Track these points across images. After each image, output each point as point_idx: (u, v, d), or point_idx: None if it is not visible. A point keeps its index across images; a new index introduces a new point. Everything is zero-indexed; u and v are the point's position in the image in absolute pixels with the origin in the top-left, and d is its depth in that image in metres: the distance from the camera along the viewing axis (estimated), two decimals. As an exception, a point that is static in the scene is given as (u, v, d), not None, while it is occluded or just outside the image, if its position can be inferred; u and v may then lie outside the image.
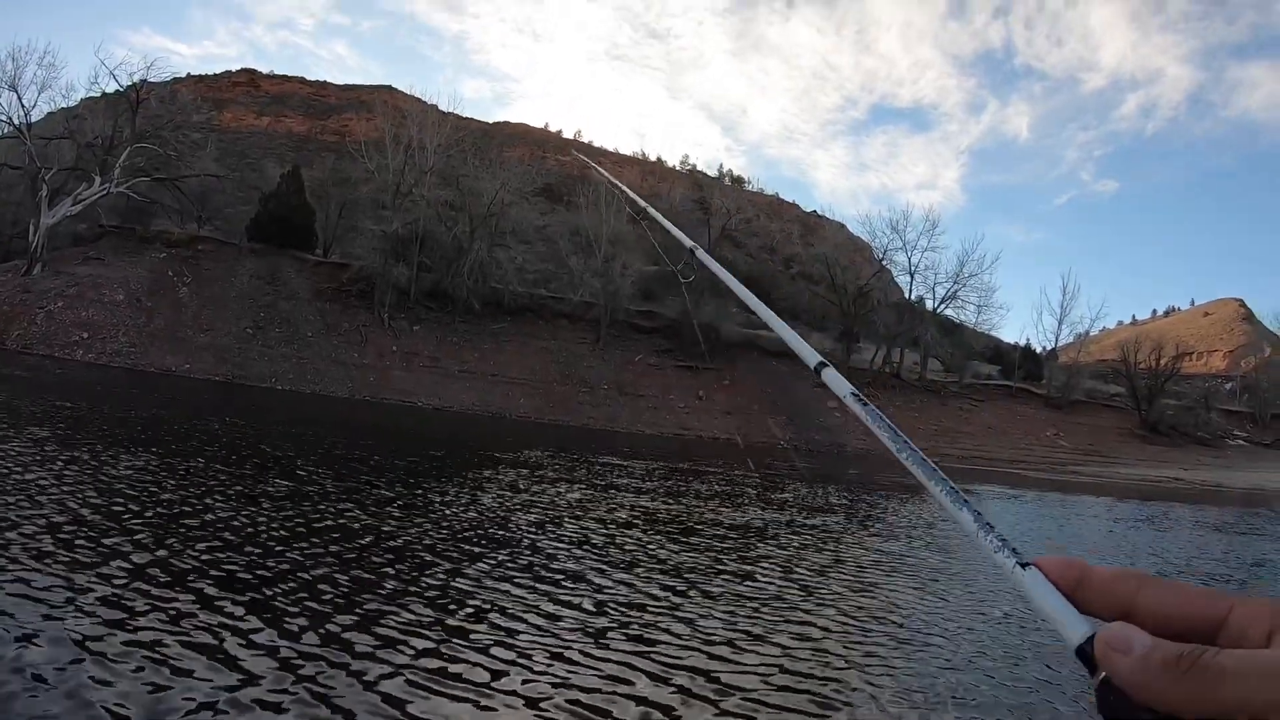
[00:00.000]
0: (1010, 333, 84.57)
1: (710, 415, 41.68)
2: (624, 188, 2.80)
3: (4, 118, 41.95)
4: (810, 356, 0.98)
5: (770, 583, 7.79)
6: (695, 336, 42.42)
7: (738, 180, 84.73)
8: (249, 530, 7.44)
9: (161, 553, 6.17)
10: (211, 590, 5.45)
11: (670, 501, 13.26)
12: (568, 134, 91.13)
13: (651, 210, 2.20)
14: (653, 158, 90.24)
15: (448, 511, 9.80)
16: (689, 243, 1.77)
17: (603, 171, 3.43)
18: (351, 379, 38.06)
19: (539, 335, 42.16)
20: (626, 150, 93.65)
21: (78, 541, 6.18)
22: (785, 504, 14.53)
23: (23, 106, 40.85)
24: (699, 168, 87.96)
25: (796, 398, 45.07)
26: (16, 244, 43.06)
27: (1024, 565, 0.50)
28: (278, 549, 6.90)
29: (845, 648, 5.83)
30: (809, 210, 75.13)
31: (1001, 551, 0.53)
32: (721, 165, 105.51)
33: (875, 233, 52.26)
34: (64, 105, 48.83)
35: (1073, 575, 0.48)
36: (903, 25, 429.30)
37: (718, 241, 44.91)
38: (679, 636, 5.64)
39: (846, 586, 8.01)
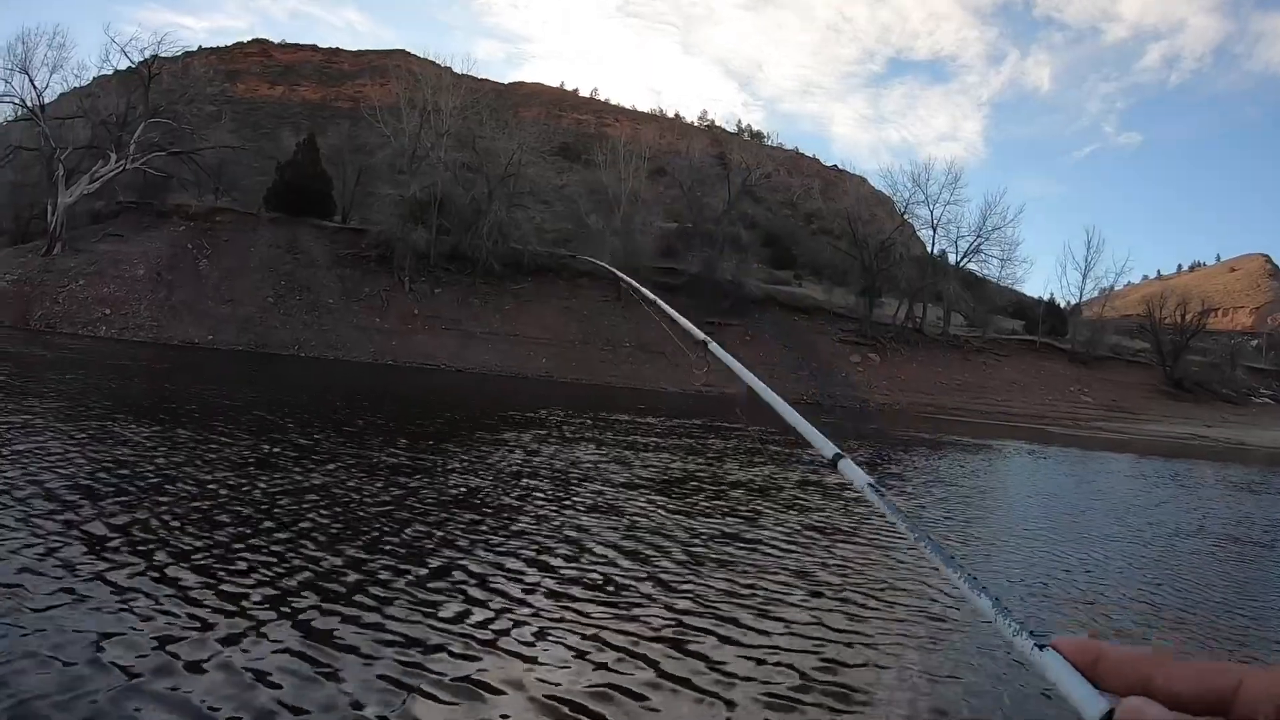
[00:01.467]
0: (1034, 287, 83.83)
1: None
2: (631, 281, 2.81)
3: (17, 100, 42.06)
4: (826, 448, 0.97)
5: (788, 543, 7.62)
6: (717, 293, 42.12)
7: (757, 135, 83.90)
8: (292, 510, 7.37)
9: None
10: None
11: (687, 459, 13.10)
12: (584, 92, 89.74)
13: (661, 304, 2.26)
14: (670, 114, 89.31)
15: (461, 474, 9.63)
16: (701, 335, 1.82)
17: (611, 269, 3.37)
18: (374, 343, 38.12)
19: (560, 295, 42.01)
20: (644, 107, 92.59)
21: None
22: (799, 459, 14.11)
23: (35, 88, 40.91)
24: (717, 123, 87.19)
25: (818, 353, 44.80)
26: (36, 225, 43.24)
27: (1042, 647, 0.51)
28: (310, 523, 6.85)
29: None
30: (829, 165, 74.44)
31: (1020, 635, 0.54)
32: (740, 120, 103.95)
33: (897, 187, 51.73)
34: (76, 85, 48.79)
35: (1090, 655, 0.50)
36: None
37: (737, 197, 44.43)
38: (687, 599, 5.51)
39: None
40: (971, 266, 52.18)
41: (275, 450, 9.71)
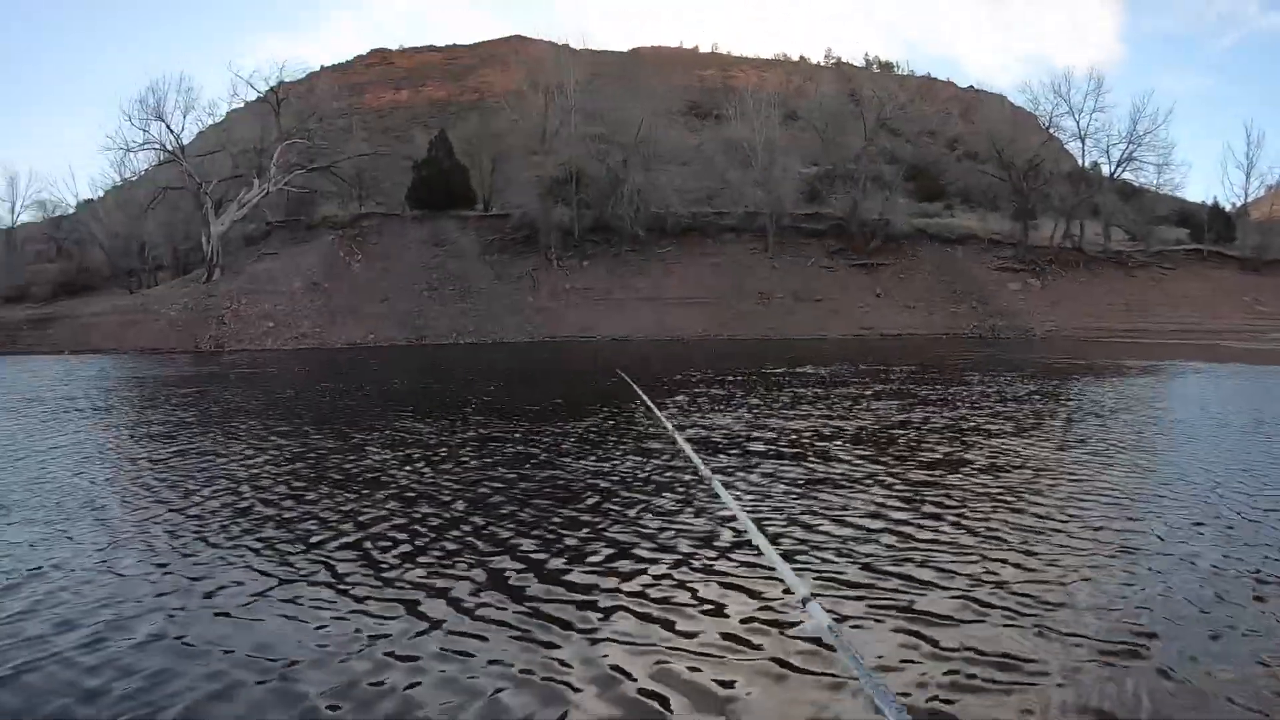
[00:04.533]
0: (1195, 191, 77.19)
1: (891, 311, 40.05)
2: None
3: (158, 145, 44.70)
4: (799, 587, 1.05)
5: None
6: (865, 233, 40.76)
7: (886, 66, 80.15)
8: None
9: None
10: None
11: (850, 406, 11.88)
12: (705, 48, 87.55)
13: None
14: (795, 57, 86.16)
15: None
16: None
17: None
18: (529, 322, 38.74)
19: (708, 252, 41.56)
20: (767, 54, 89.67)
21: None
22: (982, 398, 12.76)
23: (172, 132, 43.36)
24: (844, 59, 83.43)
25: (975, 282, 42.81)
26: (193, 256, 46.05)
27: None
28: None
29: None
30: (964, 87, 70.69)
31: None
32: (866, 53, 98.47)
33: (1038, 100, 48.44)
34: (212, 122, 51.84)
35: None
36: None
37: (874, 132, 42.80)
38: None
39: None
40: (1127, 176, 48.42)
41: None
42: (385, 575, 4.44)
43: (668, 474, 6.78)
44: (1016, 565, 4.41)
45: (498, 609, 3.89)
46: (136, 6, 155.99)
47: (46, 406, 13.72)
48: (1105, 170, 48.13)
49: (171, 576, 4.47)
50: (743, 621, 3.57)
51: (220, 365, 25.27)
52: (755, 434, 9.00)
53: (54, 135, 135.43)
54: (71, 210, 62.31)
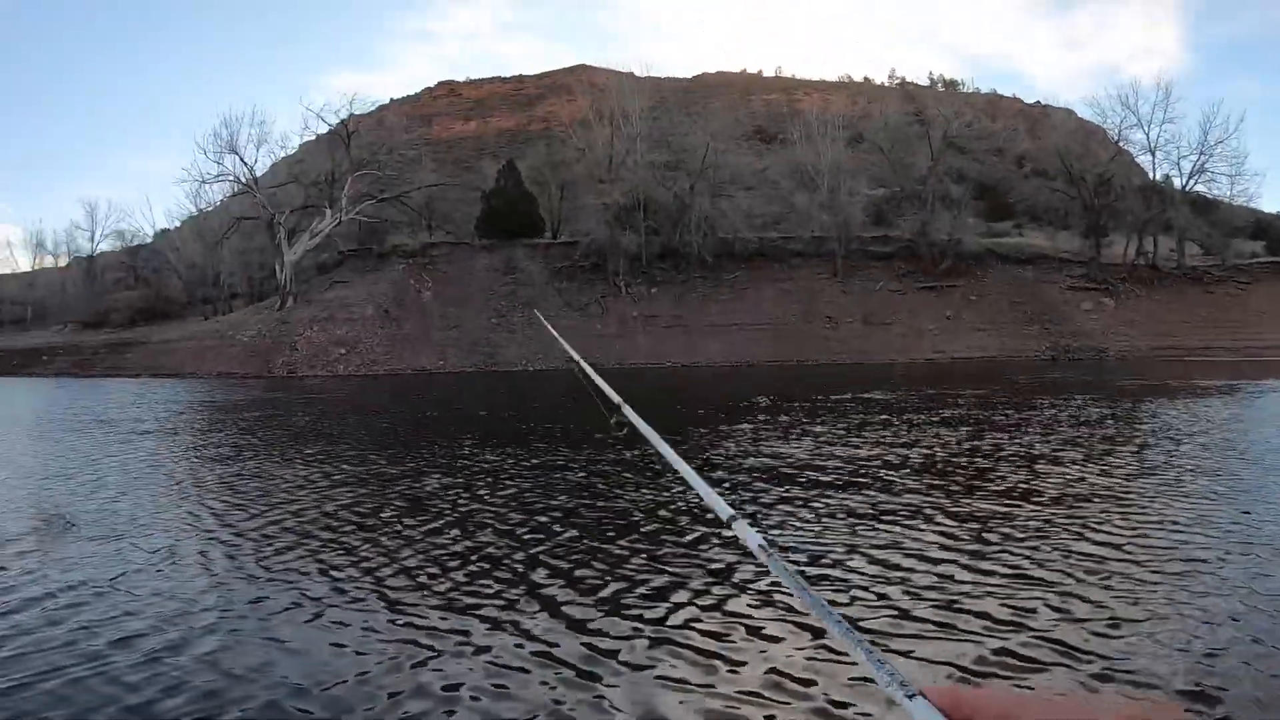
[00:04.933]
0: (1270, 202, 74.11)
1: (962, 334, 39.66)
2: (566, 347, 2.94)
3: (232, 178, 46.37)
4: (722, 510, 1.00)
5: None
6: (934, 254, 40.48)
7: (950, 84, 79.58)
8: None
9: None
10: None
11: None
12: (769, 72, 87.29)
13: (583, 364, 2.40)
14: (859, 79, 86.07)
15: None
16: (616, 399, 1.92)
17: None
18: (599, 349, 38.94)
19: (776, 277, 41.64)
20: (831, 76, 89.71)
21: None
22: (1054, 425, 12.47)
23: (245, 164, 45.00)
24: (908, 79, 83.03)
25: (1047, 302, 42.19)
26: (267, 284, 47.52)
27: (911, 696, 0.54)
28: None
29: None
30: (1030, 102, 69.69)
31: (893, 685, 0.56)
32: (930, 72, 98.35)
33: (1106, 113, 47.36)
34: (284, 154, 53.60)
35: (954, 701, 0.52)
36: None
37: (941, 152, 42.48)
38: None
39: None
40: (1199, 188, 47.22)
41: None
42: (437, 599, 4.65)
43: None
44: (1082, 599, 4.34)
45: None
46: (211, 42, 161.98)
47: (117, 428, 14.37)
48: (1177, 183, 47.04)
49: (228, 595, 4.74)
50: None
51: (290, 391, 26.02)
52: (819, 461, 9.14)
53: (132, 167, 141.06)
54: (149, 240, 64.94)
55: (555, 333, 3.44)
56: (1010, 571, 4.89)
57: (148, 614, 4.43)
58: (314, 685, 3.52)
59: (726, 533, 5.00)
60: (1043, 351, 38.99)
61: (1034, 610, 4.21)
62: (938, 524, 6.15)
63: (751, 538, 0.89)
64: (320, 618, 4.38)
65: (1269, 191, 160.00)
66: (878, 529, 5.98)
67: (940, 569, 4.98)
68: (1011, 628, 3.98)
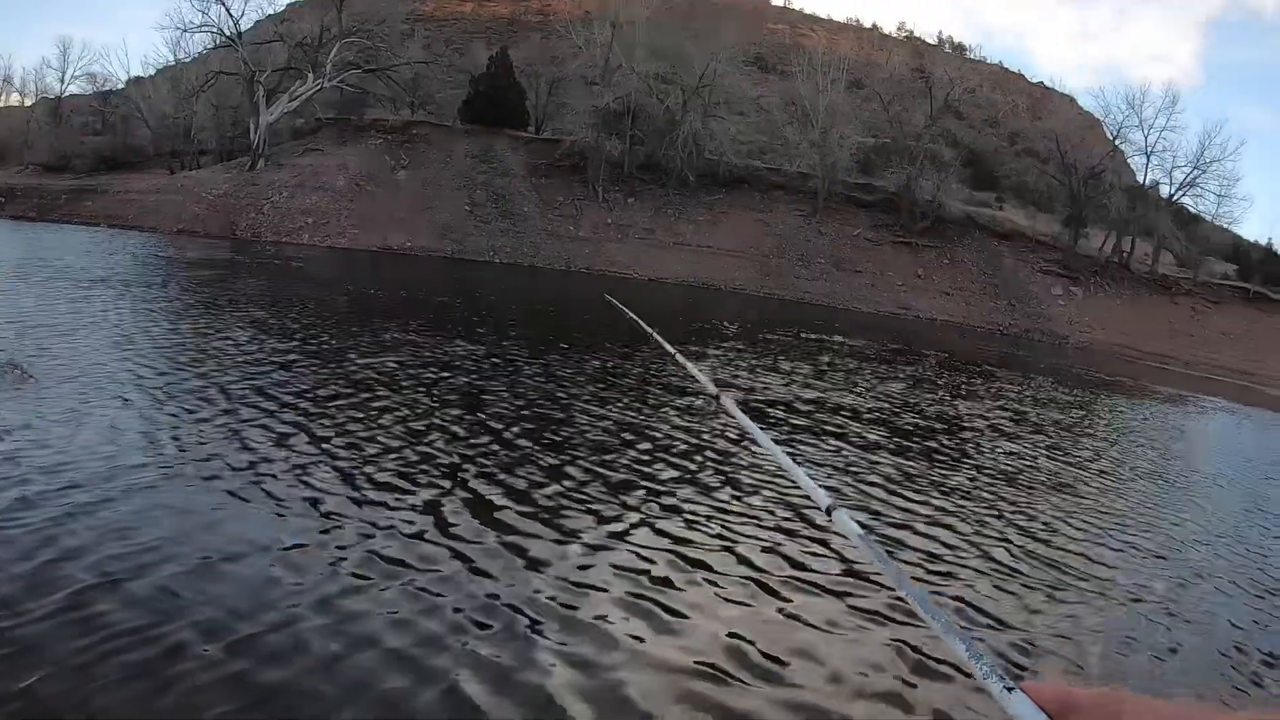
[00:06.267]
0: (1251, 228, 75.60)
1: (929, 295, 39.52)
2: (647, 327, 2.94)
3: (215, 29, 44.27)
4: (821, 500, 0.97)
5: None
6: (915, 212, 40.08)
7: (959, 48, 78.59)
8: None
9: None
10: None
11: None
12: (777, 1, 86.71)
13: (678, 356, 2.34)
14: (868, 24, 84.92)
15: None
16: (713, 390, 1.86)
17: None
18: (567, 251, 38.41)
19: (754, 206, 41.07)
20: (840, 17, 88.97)
21: None
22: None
23: (230, 16, 42.92)
24: (917, 34, 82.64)
25: (1018, 280, 42.14)
26: (239, 143, 45.76)
27: (1011, 689, 0.52)
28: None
29: None
30: (1035, 81, 69.14)
31: (991, 677, 0.55)
32: (940, 32, 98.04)
33: (1109, 108, 47.34)
34: (271, 12, 51.48)
35: (1057, 698, 0.50)
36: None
37: (939, 113, 41.92)
38: None
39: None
40: (1186, 200, 47.48)
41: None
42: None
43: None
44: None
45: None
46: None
47: (73, 279, 13.67)
48: (1165, 191, 47.17)
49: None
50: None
51: (249, 256, 25.23)
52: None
53: (112, 7, 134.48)
54: (121, 86, 62.03)
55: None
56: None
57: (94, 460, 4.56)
58: (221, 559, 3.55)
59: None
60: (1005, 326, 39.03)
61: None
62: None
63: (851, 527, 0.87)
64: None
65: (1254, 219, 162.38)
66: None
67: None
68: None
